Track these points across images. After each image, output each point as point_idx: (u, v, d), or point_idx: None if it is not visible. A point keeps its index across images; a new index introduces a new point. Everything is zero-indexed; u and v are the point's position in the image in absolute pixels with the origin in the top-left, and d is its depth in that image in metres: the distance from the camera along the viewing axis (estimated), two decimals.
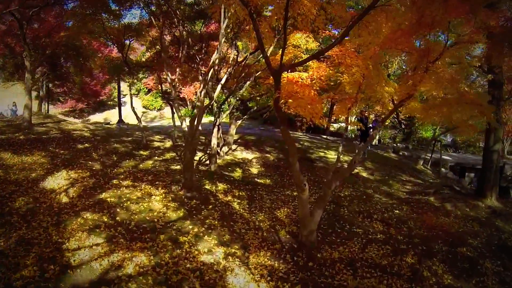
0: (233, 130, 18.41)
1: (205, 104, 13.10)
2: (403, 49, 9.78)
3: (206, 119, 29.41)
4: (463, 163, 23.86)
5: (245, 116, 19.53)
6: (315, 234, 10.36)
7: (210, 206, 11.95)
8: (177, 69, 13.87)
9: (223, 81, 13.18)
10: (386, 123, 32.83)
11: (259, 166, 17.25)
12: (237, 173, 16.05)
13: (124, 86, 38.31)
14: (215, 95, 13.49)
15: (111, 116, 39.05)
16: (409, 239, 11.18)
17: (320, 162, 18.95)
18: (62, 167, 13.56)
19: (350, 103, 10.53)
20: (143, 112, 40.99)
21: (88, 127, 21.23)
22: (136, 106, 38.67)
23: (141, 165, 15.20)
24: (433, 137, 24.56)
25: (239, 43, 17.66)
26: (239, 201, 12.94)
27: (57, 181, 12.41)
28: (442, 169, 21.54)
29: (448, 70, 9.85)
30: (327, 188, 10.27)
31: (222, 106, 18.28)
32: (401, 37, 8.76)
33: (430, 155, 22.78)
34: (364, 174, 17.98)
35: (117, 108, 35.11)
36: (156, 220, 10.61)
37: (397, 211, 13.54)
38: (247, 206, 12.65)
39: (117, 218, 10.48)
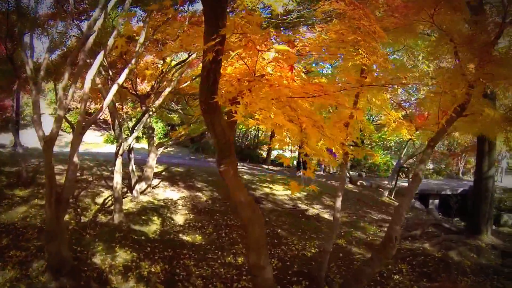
0: (153, 160, 12.47)
1: (83, 113, 7.17)
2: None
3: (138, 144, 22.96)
4: (427, 190, 21.49)
5: (170, 142, 13.68)
6: None
7: None
8: (46, 55, 7.87)
9: (121, 79, 7.55)
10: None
11: (186, 212, 11.55)
12: (154, 226, 10.21)
13: (42, 102, 31.37)
14: (107, 100, 7.53)
15: (26, 137, 31.22)
16: None
17: (267, 202, 13.74)
18: None
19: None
20: (58, 135, 33.68)
21: None
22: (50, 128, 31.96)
23: (3, 215, 9.07)
24: (399, 164, 20.80)
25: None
26: None
27: None
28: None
29: None
30: None
31: (137, 127, 12.31)
32: None
33: (394, 184, 19.80)
34: (326, 216, 13.24)
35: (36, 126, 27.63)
36: None
37: (398, 277, 8.72)
38: None
39: None
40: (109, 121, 17.89)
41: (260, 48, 3.49)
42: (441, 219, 16.32)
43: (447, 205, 20.16)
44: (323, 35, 4.45)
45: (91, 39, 6.59)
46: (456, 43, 5.81)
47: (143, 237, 9.23)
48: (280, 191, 15.36)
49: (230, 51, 3.44)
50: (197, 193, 13.12)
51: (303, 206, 13.87)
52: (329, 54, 4.65)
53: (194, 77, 12.36)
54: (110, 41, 6.83)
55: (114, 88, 7.41)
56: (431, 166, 29.33)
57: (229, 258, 8.99)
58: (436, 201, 21.24)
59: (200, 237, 9.95)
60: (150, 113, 11.14)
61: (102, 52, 6.72)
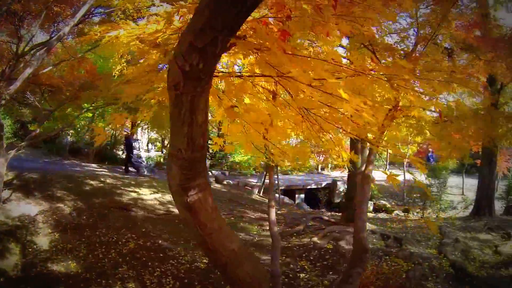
0: (3, 166, 9.20)
1: None
2: None
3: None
4: (292, 185, 21.85)
5: (23, 143, 10.38)
6: None
7: None
8: None
9: None
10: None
11: (50, 230, 8.82)
12: (13, 257, 7.37)
13: None
14: None
15: None
16: None
17: (138, 208, 11.57)
18: None
19: None
20: None
21: None
22: None
23: None
24: (267, 165, 20.07)
25: None
26: None
27: None
28: (276, 194, 18.03)
29: None
30: None
31: None
32: None
33: (262, 181, 19.71)
34: None
35: None
36: None
37: (304, 275, 8.27)
38: None
39: None
40: None
41: None
42: (311, 211, 16.80)
43: (312, 198, 20.86)
44: None
45: None
46: (377, 48, 5.56)
47: (1, 279, 6.47)
48: (148, 195, 13.31)
49: None
50: (58, 205, 10.29)
51: (176, 211, 11.96)
52: None
53: (55, 64, 9.85)
54: None
55: None
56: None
57: (117, 287, 6.94)
58: (302, 195, 21.47)
59: (75, 264, 7.60)
60: (3, 102, 8.23)
61: None
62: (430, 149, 22.52)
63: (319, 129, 3.23)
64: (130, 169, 16.82)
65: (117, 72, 9.63)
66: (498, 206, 16.47)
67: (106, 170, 16.97)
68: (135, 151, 17.56)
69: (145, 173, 16.77)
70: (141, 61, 3.13)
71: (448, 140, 7.01)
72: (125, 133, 18.81)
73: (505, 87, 13.50)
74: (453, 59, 8.00)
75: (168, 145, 2.65)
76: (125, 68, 9.38)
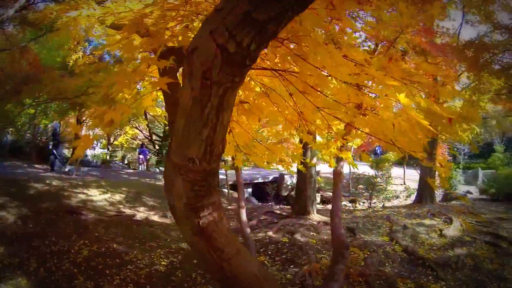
0: None
1: None
2: None
3: None
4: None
5: None
6: None
7: None
8: None
9: None
10: (125, 144, 27.30)
11: None
12: None
13: None
14: None
15: None
16: None
17: (88, 211, 10.68)
18: None
19: None
20: None
21: None
22: None
23: None
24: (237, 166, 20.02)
25: None
26: None
27: None
28: (224, 189, 17.91)
29: None
30: None
31: None
32: None
33: None
34: (156, 218, 11.74)
35: None
36: None
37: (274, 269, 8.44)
38: None
39: None
40: None
41: None
42: (261, 206, 17.11)
43: (260, 192, 20.81)
44: None
45: None
46: (341, 47, 5.77)
47: None
48: (97, 196, 12.52)
49: None
50: (1, 213, 9.11)
51: (127, 211, 11.70)
52: None
53: None
54: None
55: None
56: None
57: None
58: (250, 190, 21.12)
59: (25, 280, 6.73)
60: None
61: None
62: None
63: (327, 126, 2.89)
64: (59, 168, 15.99)
65: (72, 62, 8.73)
66: (437, 194, 17.68)
67: (48, 172, 15.74)
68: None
69: (64, 169, 15.96)
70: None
71: (407, 136, 7.09)
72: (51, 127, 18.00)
73: (445, 87, 14.38)
74: (405, 61, 8.45)
75: (170, 154, 1.99)
76: (81, 57, 8.50)
